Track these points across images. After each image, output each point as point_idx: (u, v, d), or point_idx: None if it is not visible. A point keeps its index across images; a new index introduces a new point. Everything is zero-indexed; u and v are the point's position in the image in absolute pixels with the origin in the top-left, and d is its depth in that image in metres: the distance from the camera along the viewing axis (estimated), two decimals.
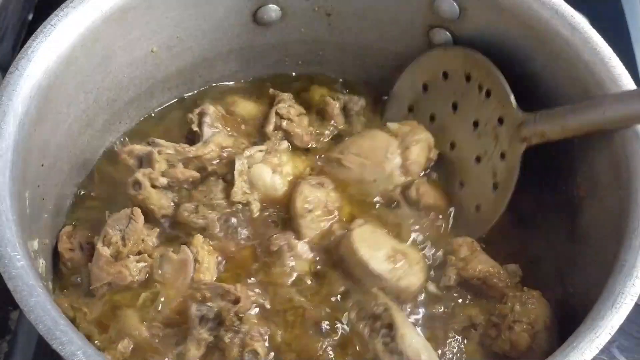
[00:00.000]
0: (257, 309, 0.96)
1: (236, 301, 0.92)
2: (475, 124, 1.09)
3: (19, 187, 0.87)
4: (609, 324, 0.77)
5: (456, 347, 0.98)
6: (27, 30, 1.44)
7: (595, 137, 0.97)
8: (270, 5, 1.15)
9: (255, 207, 1.04)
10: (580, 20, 0.99)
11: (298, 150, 1.14)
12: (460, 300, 1.02)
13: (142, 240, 0.98)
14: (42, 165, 0.96)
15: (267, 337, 0.93)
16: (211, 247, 1.00)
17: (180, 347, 0.91)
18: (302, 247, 1.02)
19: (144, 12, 1.04)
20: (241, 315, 0.92)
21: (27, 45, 0.93)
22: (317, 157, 1.13)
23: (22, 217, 0.85)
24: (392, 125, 1.12)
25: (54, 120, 0.98)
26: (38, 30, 0.94)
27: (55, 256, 1.01)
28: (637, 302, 0.79)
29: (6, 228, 0.80)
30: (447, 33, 1.12)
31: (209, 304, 0.92)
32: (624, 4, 1.49)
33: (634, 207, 0.86)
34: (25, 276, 0.77)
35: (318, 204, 1.04)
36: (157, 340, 0.93)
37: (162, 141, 1.05)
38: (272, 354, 0.94)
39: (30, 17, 1.47)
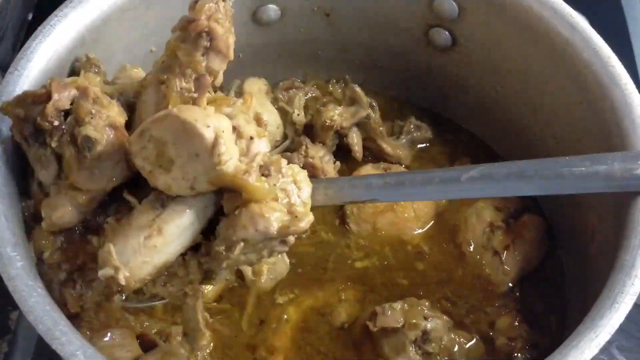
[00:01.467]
0: None
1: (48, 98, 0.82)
2: None
3: (19, 187, 0.86)
4: (608, 323, 0.77)
5: None
6: (27, 30, 1.44)
7: (593, 137, 0.97)
8: (270, 5, 1.15)
9: None
10: (580, 20, 0.99)
11: None
12: None
13: None
14: None
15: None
16: None
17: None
18: None
19: (144, 12, 1.04)
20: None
21: (26, 45, 0.92)
22: None
23: (21, 217, 0.85)
24: None
25: None
26: (38, 30, 0.94)
27: None
28: (636, 302, 0.79)
29: (5, 228, 0.80)
30: (447, 33, 1.12)
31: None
32: (624, 4, 1.49)
33: (633, 207, 0.86)
34: (25, 276, 0.77)
35: None
36: None
37: None
38: None
39: (30, 17, 1.47)
